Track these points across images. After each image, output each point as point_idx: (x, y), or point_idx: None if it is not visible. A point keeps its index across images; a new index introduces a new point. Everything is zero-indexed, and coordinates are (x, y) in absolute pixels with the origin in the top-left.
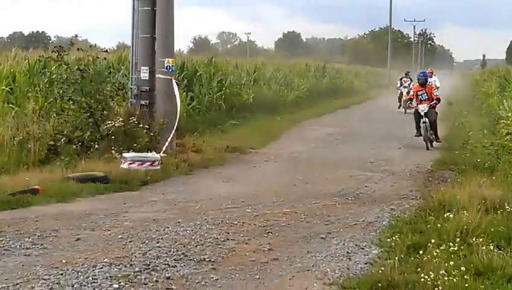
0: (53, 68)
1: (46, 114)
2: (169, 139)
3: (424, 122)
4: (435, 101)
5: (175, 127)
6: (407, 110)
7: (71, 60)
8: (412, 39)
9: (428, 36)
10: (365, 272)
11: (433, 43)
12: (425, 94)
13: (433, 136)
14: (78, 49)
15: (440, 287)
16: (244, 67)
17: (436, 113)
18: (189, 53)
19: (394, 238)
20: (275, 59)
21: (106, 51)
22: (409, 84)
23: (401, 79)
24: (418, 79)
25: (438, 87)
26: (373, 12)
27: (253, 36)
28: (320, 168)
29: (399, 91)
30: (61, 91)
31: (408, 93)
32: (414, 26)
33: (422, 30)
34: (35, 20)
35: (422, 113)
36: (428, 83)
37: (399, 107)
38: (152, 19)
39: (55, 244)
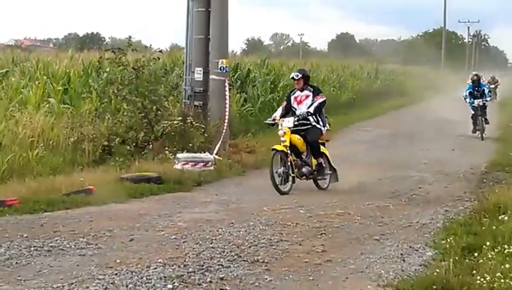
0: (107, 69)
1: (101, 115)
2: (220, 140)
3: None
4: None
5: (225, 128)
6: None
7: (126, 61)
8: (466, 40)
9: (483, 37)
10: (419, 274)
11: (487, 44)
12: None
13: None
14: (132, 50)
15: None
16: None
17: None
18: (242, 54)
19: (449, 240)
20: (328, 60)
21: (160, 51)
22: (484, 95)
23: (476, 85)
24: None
25: None
26: (426, 14)
27: (306, 37)
28: (373, 169)
29: (470, 104)
30: (116, 91)
31: (482, 109)
32: (468, 28)
33: (476, 31)
34: (89, 22)
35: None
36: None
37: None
38: (206, 20)
39: (109, 245)
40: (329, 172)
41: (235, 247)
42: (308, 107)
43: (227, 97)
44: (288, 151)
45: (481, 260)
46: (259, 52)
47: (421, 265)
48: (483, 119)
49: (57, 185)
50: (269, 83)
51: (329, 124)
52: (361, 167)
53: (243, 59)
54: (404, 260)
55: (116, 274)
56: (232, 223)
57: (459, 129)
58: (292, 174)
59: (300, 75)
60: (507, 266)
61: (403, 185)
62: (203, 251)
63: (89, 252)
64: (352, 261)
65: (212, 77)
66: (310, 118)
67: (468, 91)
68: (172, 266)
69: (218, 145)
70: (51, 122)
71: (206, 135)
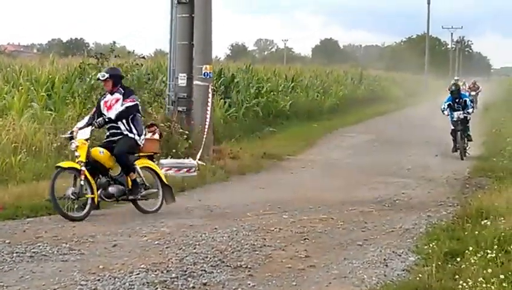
0: (92, 74)
1: None
2: (202, 146)
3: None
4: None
5: (205, 134)
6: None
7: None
8: (449, 46)
9: (466, 43)
10: (402, 279)
11: (470, 50)
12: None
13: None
14: (115, 56)
15: None
16: (281, 74)
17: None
18: (227, 60)
19: (431, 245)
20: (312, 66)
21: (144, 58)
22: (466, 106)
23: (456, 96)
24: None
25: None
26: (410, 20)
27: (290, 43)
28: (357, 175)
29: (450, 118)
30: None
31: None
32: (452, 33)
33: (460, 37)
34: (73, 27)
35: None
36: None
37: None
38: (190, 26)
39: (92, 250)
40: (153, 191)
41: (218, 252)
42: None
43: (210, 103)
44: (83, 168)
45: (464, 265)
46: (243, 57)
47: (403, 270)
48: (464, 135)
49: (40, 190)
50: (253, 88)
51: (160, 135)
52: (345, 173)
53: (227, 64)
54: (387, 265)
55: (98, 280)
56: (215, 228)
57: (442, 135)
58: (91, 195)
59: (107, 76)
60: (489, 270)
61: (386, 190)
62: (186, 256)
63: (71, 258)
64: (335, 267)
65: (196, 82)
66: (121, 125)
67: (447, 103)
68: (155, 271)
69: (200, 151)
70: (33, 127)
71: (190, 140)
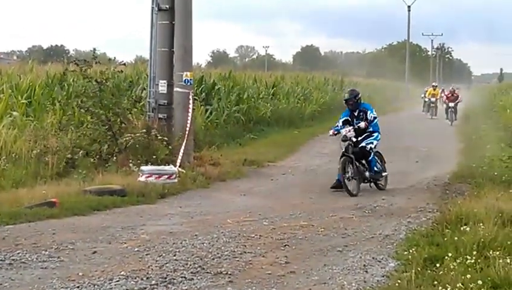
0: (71, 80)
1: (64, 127)
2: (181, 152)
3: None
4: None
5: (185, 141)
6: None
7: (90, 73)
8: (429, 53)
9: (446, 50)
10: (382, 285)
11: (450, 57)
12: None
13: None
14: (96, 63)
15: None
16: (262, 81)
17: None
18: (208, 66)
19: (411, 251)
20: (294, 73)
21: (124, 64)
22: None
23: (353, 108)
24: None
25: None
26: (391, 26)
27: (272, 50)
28: None
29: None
30: (80, 103)
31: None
32: (432, 40)
33: (440, 44)
34: (54, 34)
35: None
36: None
37: None
38: (170, 33)
39: (71, 257)
40: None
41: (198, 259)
42: None
43: (190, 110)
44: None
45: (443, 271)
46: (224, 64)
47: (383, 276)
48: (360, 175)
49: (20, 198)
50: (234, 95)
51: None
52: (326, 179)
53: (208, 71)
54: (366, 271)
55: (78, 287)
56: (195, 235)
57: (422, 141)
58: None
59: None
60: (468, 276)
61: (366, 196)
62: (166, 263)
63: (51, 265)
64: (316, 273)
65: (176, 89)
66: None
67: (343, 119)
68: (135, 278)
69: (180, 158)
70: (13, 134)
71: (170, 147)
